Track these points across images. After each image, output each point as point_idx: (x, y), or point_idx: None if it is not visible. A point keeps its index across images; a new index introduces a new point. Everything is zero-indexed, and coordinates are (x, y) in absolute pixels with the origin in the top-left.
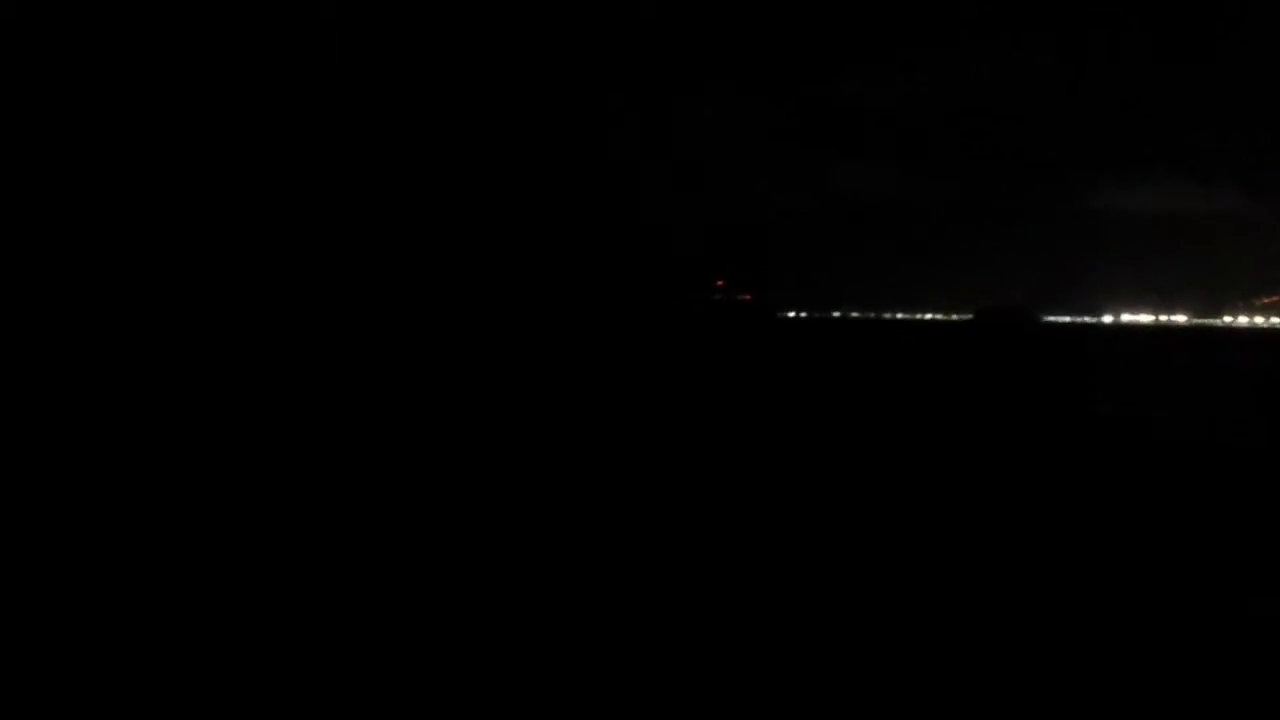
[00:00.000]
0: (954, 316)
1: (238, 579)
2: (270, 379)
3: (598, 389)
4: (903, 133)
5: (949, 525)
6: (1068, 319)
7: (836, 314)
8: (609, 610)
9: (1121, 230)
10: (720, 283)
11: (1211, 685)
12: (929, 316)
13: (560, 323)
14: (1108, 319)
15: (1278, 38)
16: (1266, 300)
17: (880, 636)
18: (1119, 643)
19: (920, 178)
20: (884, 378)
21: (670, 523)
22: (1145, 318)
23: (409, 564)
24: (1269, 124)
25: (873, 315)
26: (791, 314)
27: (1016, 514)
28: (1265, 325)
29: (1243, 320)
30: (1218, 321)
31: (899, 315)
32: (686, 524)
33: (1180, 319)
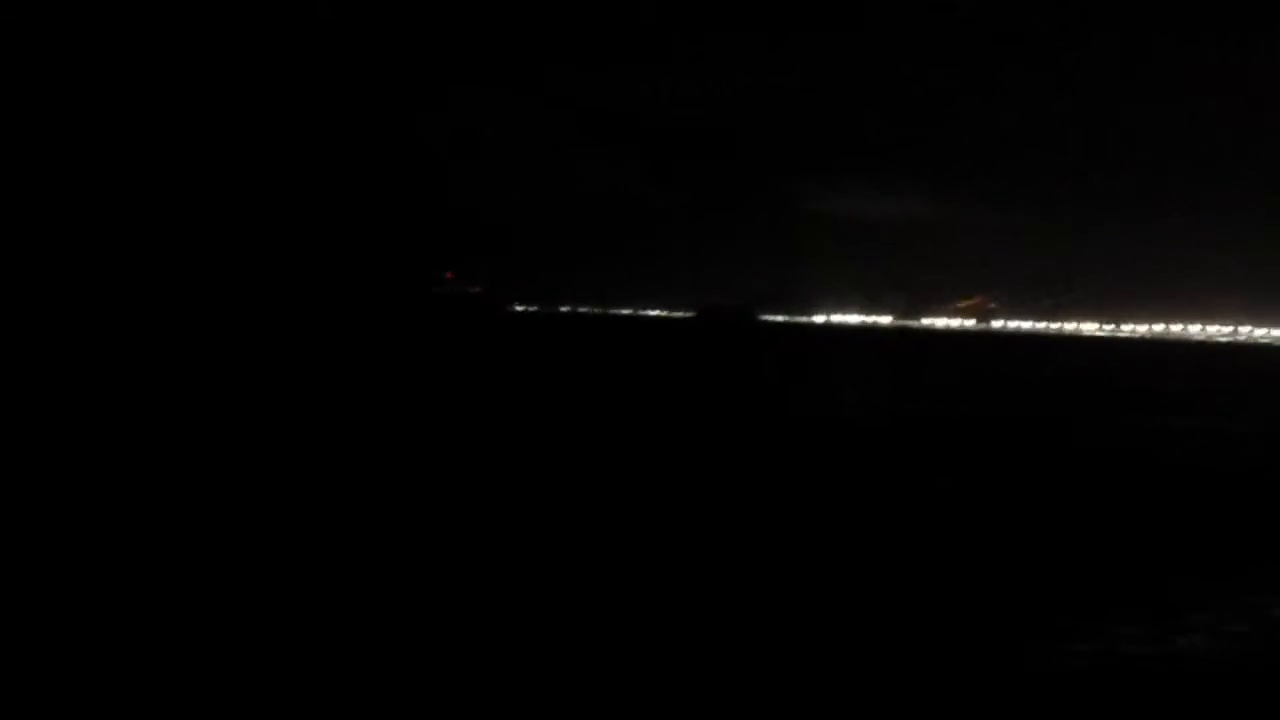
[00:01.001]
0: (677, 313)
1: None
2: None
3: (300, 385)
4: (640, 134)
5: (664, 516)
6: (783, 318)
7: (566, 309)
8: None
9: (833, 234)
10: (450, 275)
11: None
12: (654, 313)
13: (260, 315)
14: (819, 319)
15: (972, 49)
16: (963, 304)
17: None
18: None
19: (654, 178)
20: (605, 371)
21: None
22: (853, 318)
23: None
24: (967, 135)
25: (600, 310)
26: (523, 308)
27: (729, 504)
28: (961, 327)
29: (942, 322)
30: (918, 322)
31: (625, 311)
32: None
33: (885, 320)
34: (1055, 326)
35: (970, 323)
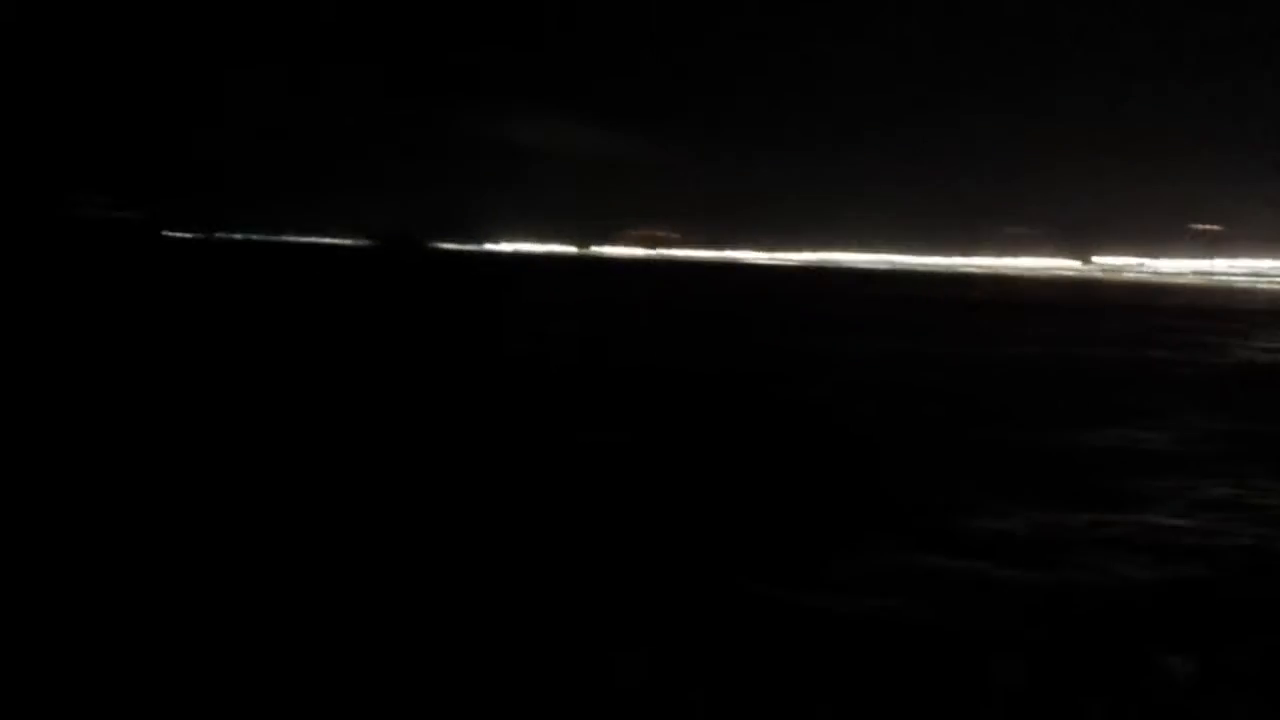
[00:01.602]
0: (350, 241)
1: None
2: None
3: None
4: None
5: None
6: (459, 246)
7: (238, 236)
8: None
9: (508, 162)
10: (96, 196)
11: None
12: (328, 240)
13: None
14: (496, 247)
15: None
16: (633, 233)
17: None
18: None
19: (319, 102)
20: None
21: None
22: (531, 246)
23: None
24: (633, 65)
25: (270, 237)
26: (187, 235)
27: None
28: (632, 255)
29: (612, 250)
30: (591, 250)
31: (294, 238)
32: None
33: (565, 248)
34: (724, 254)
35: (645, 251)
